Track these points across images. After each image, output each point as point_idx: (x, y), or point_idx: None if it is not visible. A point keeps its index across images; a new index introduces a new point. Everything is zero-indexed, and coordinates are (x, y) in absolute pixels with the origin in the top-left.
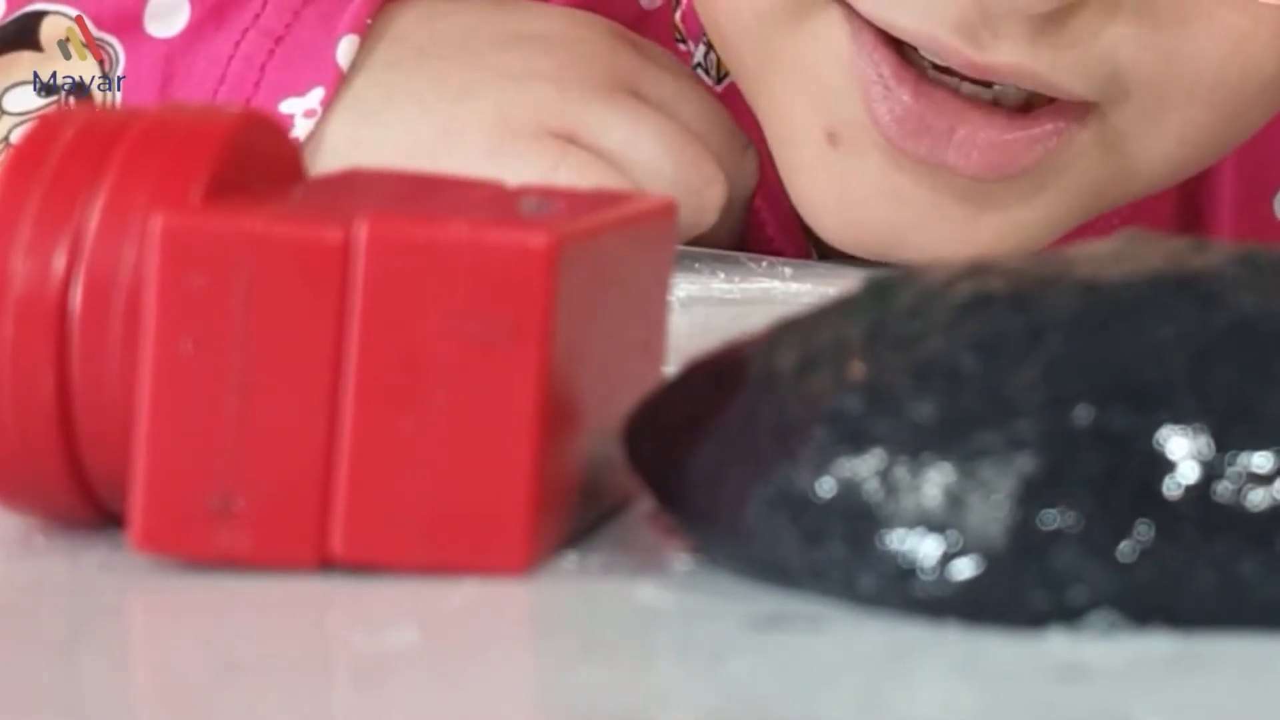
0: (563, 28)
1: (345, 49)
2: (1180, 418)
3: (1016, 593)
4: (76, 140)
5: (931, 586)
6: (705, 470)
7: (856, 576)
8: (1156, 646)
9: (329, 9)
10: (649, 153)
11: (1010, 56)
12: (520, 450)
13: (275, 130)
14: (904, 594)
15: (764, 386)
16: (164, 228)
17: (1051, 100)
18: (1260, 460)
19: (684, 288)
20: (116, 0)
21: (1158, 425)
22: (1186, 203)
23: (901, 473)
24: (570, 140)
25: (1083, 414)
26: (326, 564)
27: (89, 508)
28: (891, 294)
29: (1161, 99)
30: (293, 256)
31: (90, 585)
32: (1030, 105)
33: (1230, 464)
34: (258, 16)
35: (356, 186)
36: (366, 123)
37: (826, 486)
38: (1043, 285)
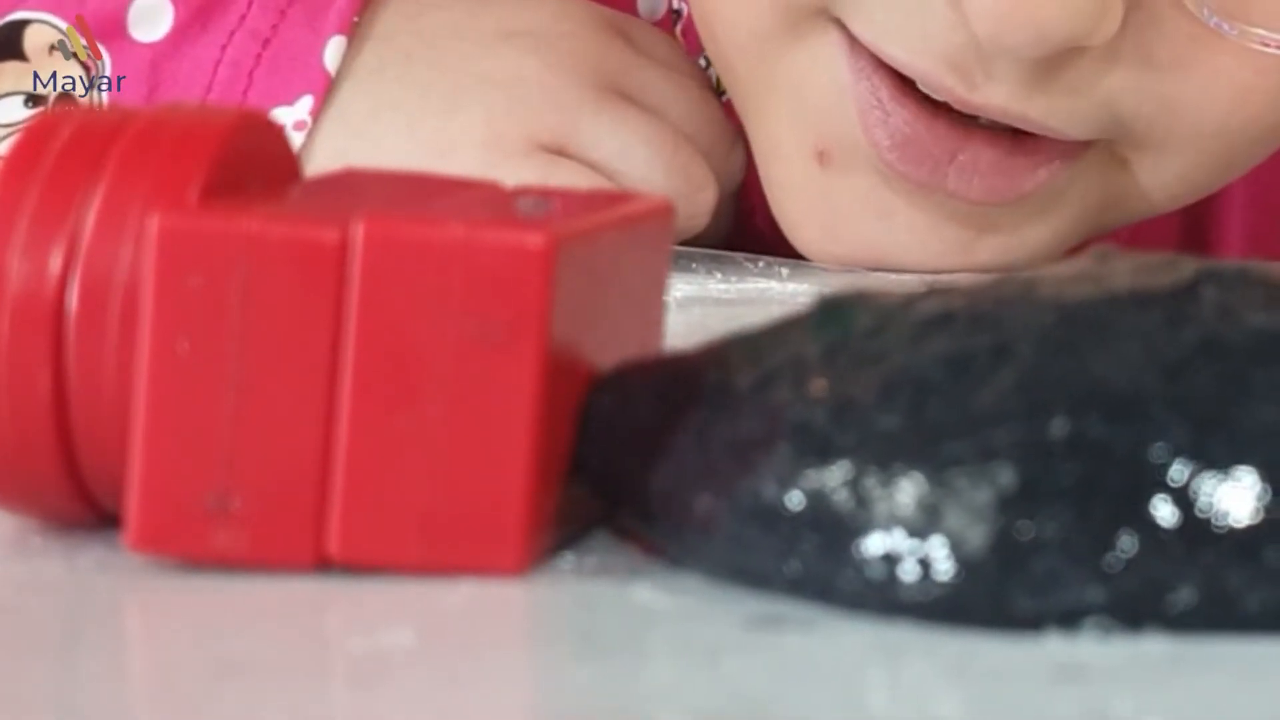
0: (550, 22)
1: (332, 52)
2: (1159, 430)
3: (999, 599)
4: (73, 140)
5: (913, 592)
6: (667, 485)
7: (834, 585)
8: (1151, 647)
9: (314, 6)
10: (639, 162)
11: (1001, 98)
12: (517, 450)
13: (271, 130)
14: (884, 600)
15: (719, 403)
16: (160, 228)
17: None
18: (1241, 472)
19: (680, 288)
20: (98, 4)
21: (1136, 437)
22: (1193, 226)
23: (871, 482)
24: (560, 153)
25: (1058, 425)
26: (323, 564)
27: (85, 508)
28: (847, 314)
29: (1163, 141)
30: (289, 256)
31: (86, 585)
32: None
33: (1212, 476)
34: (243, 18)
35: (353, 186)
36: (355, 140)
37: (795, 499)
38: (1007, 305)
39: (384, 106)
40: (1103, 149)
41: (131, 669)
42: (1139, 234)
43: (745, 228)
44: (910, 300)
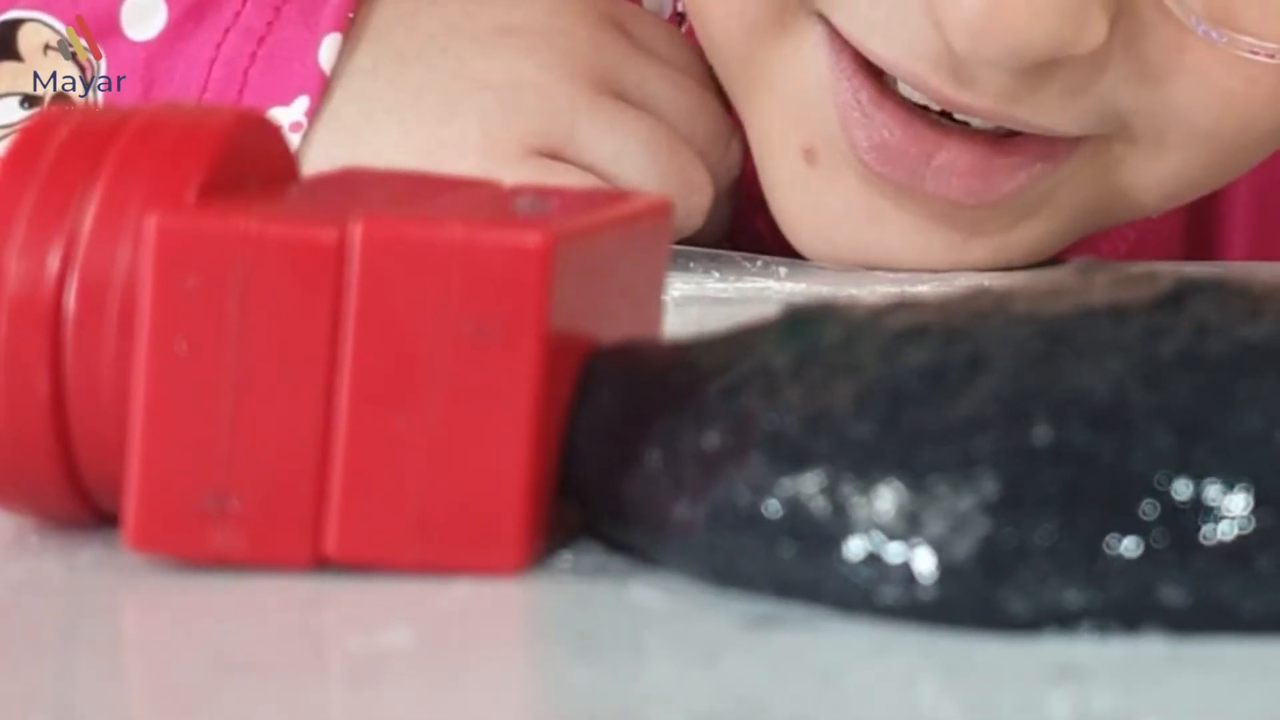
0: (546, 18)
1: (328, 50)
2: (1143, 438)
3: (986, 606)
4: (71, 139)
5: (899, 598)
6: (643, 493)
7: (819, 591)
8: (1147, 648)
9: (309, 1)
10: (634, 165)
11: (988, 100)
12: (515, 450)
13: (269, 129)
14: (871, 606)
15: (689, 411)
16: (158, 228)
17: None
18: (1228, 481)
19: (678, 287)
20: (91, 2)
21: (1120, 445)
22: (1196, 225)
23: (849, 489)
24: (555, 157)
25: (1041, 432)
26: (321, 563)
27: (83, 507)
28: (815, 327)
29: (1154, 144)
30: (288, 256)
31: (85, 585)
32: (1013, 132)
33: (1198, 485)
34: (238, 15)
35: (351, 186)
36: (348, 146)
37: (772, 507)
38: (982, 318)
39: (378, 110)
40: (1092, 150)
41: (129, 668)
42: (1142, 234)
43: (744, 223)
44: (879, 313)
